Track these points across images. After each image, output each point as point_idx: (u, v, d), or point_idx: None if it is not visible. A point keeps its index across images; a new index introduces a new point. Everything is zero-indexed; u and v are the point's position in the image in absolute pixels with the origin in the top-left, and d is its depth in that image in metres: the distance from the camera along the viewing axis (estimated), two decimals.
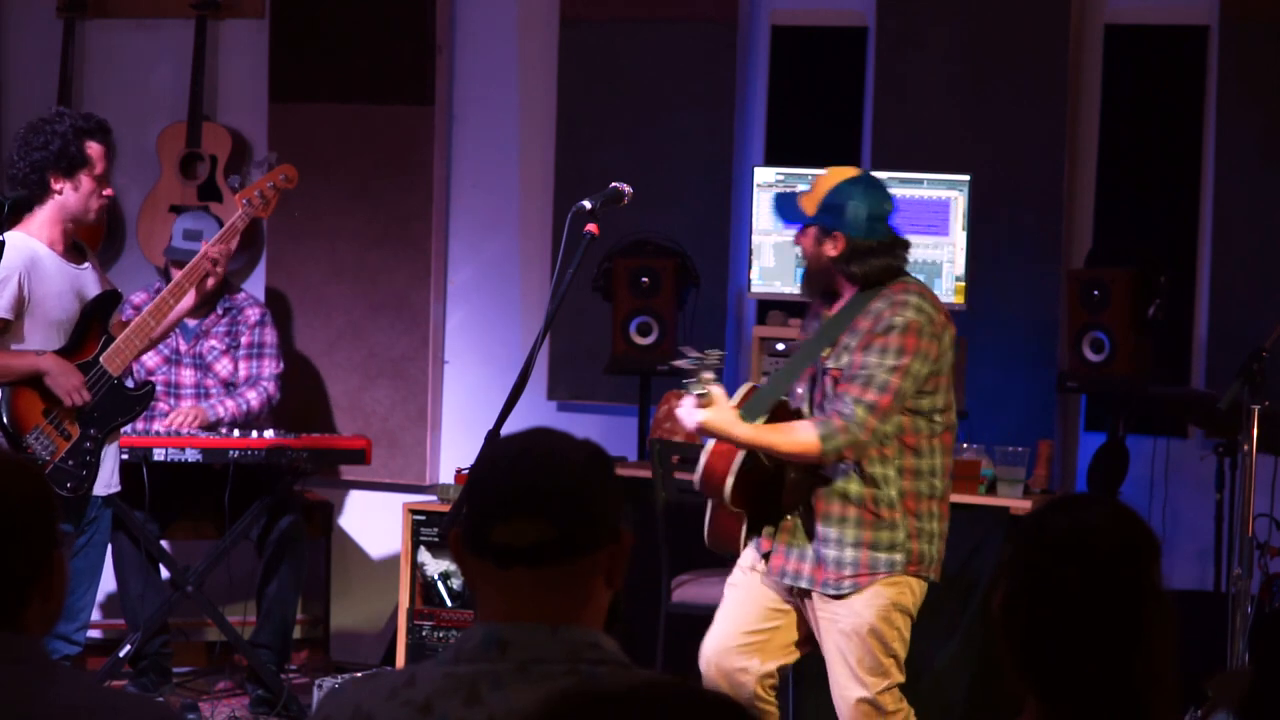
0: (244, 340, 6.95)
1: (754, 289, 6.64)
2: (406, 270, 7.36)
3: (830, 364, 4.68)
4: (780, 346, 6.48)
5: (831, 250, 4.69)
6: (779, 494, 4.77)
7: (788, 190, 4.80)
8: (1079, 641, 2.39)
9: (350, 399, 7.41)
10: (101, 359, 5.59)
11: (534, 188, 7.32)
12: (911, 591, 4.75)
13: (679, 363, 4.63)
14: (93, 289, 5.62)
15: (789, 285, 6.51)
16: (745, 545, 4.84)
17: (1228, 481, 6.15)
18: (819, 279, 4.76)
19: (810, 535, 4.72)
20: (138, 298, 6.69)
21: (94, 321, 5.59)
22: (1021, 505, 5.88)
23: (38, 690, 2.34)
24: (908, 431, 4.68)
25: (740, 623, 4.84)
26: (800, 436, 4.60)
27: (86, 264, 5.64)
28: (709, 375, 4.59)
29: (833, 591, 4.71)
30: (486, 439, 4.36)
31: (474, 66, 7.39)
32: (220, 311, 6.96)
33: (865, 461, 4.67)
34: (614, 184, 4.89)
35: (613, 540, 2.36)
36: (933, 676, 5.97)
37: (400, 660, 6.49)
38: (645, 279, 6.72)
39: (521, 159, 7.36)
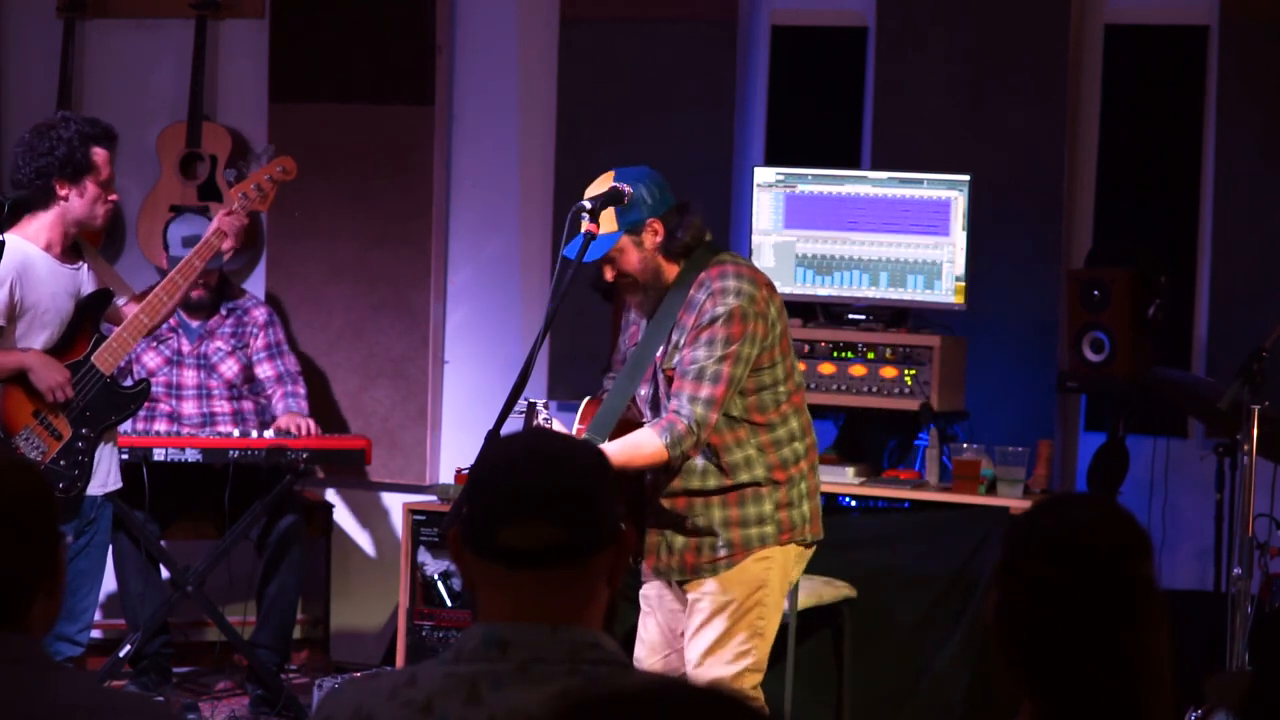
0: (259, 342, 6.95)
1: None
2: (406, 270, 7.36)
3: (664, 365, 4.67)
4: (543, 415, 6.47)
5: (654, 239, 4.65)
6: (642, 501, 4.75)
7: (575, 239, 4.70)
8: (1073, 642, 2.39)
9: (350, 399, 7.41)
10: (93, 358, 5.58)
11: (534, 188, 7.32)
12: (783, 561, 4.71)
13: (519, 412, 4.60)
14: (87, 288, 5.62)
15: (789, 285, 6.51)
16: (635, 558, 4.81)
17: (1228, 481, 6.15)
18: (655, 279, 4.69)
19: (680, 531, 4.71)
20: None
21: (85, 321, 5.59)
22: (1021, 505, 5.88)
23: (38, 690, 2.34)
24: (754, 411, 4.66)
25: (664, 632, 4.84)
26: (647, 449, 4.57)
27: (81, 264, 5.63)
28: (542, 415, 4.56)
29: (707, 572, 4.69)
30: (486, 439, 4.36)
31: (474, 66, 7.39)
32: (224, 313, 6.96)
33: (722, 452, 4.65)
34: (614, 184, 4.89)
35: (615, 540, 2.36)
36: (933, 677, 5.98)
37: (400, 660, 6.49)
38: None
39: (521, 159, 7.37)
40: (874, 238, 6.45)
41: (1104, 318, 6.27)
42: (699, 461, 4.67)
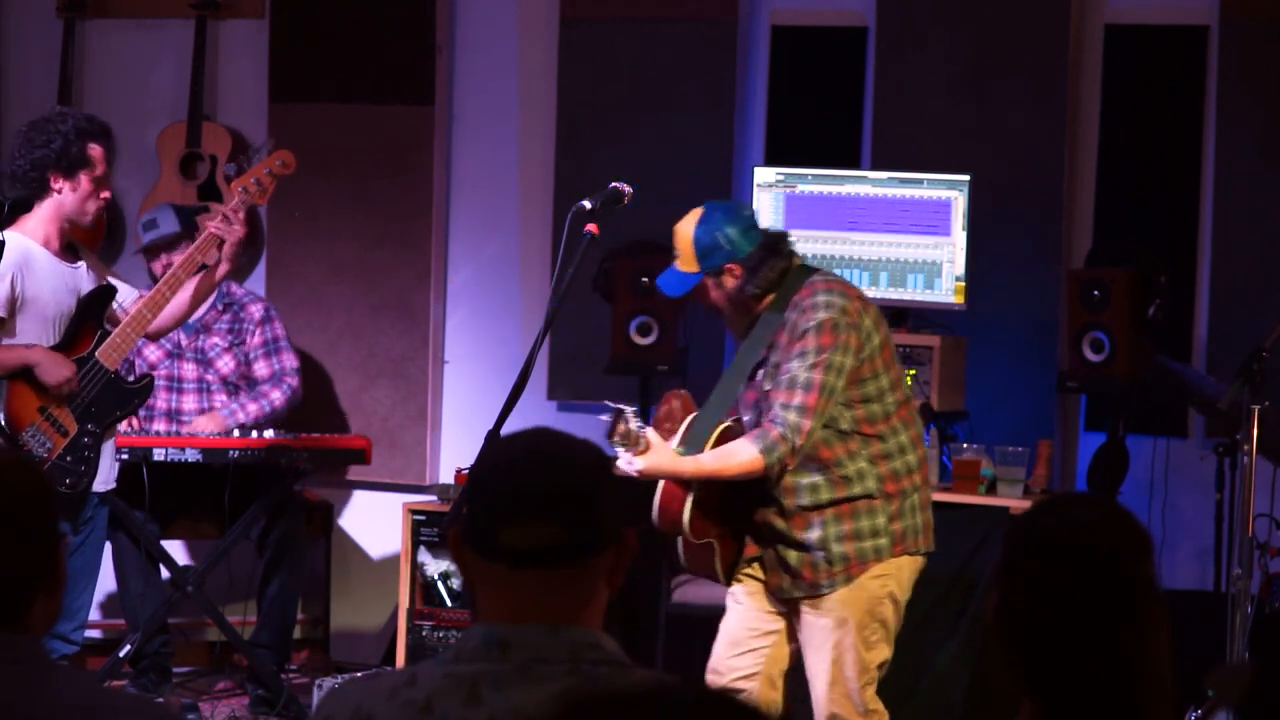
0: (255, 339, 6.94)
1: None
2: (406, 270, 7.36)
3: (766, 386, 4.69)
4: (634, 424, 6.48)
5: (733, 282, 4.71)
6: (747, 513, 4.76)
7: (668, 274, 4.78)
8: (1073, 642, 2.39)
9: (350, 399, 7.41)
10: (97, 353, 5.58)
11: (534, 188, 7.32)
12: (898, 575, 4.75)
13: (604, 417, 4.60)
14: (87, 287, 5.62)
15: None
16: (726, 573, 4.82)
17: (1228, 481, 6.15)
18: (741, 315, 4.76)
19: (790, 549, 4.72)
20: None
21: (88, 317, 5.58)
22: (1021, 505, 5.88)
23: (38, 690, 2.34)
24: (864, 423, 4.69)
25: (741, 636, 4.85)
26: (741, 456, 4.59)
27: (80, 263, 5.64)
28: (633, 424, 4.55)
29: (826, 589, 4.71)
30: (486, 439, 4.36)
31: (474, 66, 7.39)
32: (220, 307, 6.95)
33: (833, 466, 4.67)
34: (614, 184, 4.90)
35: (617, 541, 2.36)
36: (933, 677, 5.98)
37: (400, 660, 6.49)
38: (645, 279, 6.72)
39: (521, 159, 7.36)
40: (874, 238, 6.45)
41: (1104, 318, 6.27)
42: (809, 478, 4.67)
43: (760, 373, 4.71)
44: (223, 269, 5.74)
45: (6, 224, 5.58)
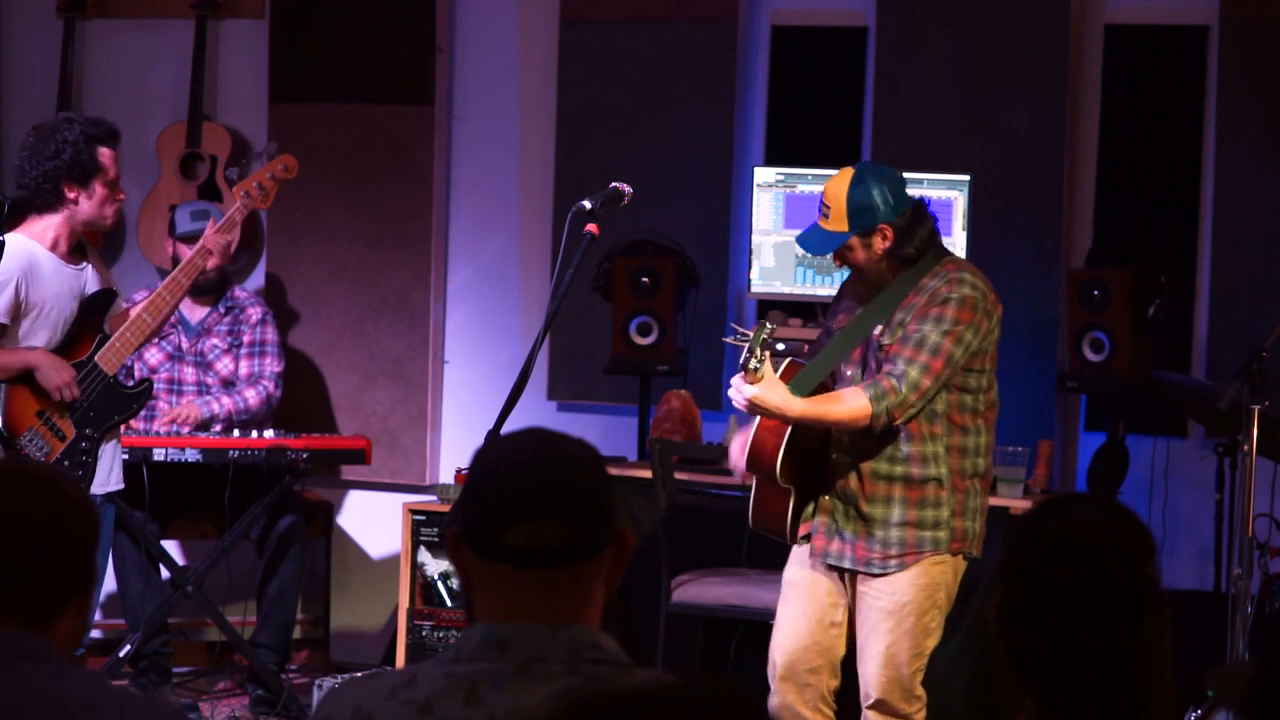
0: (246, 339, 6.95)
1: (754, 289, 6.64)
2: (406, 270, 7.36)
3: (885, 340, 4.71)
4: (780, 346, 6.49)
5: (882, 244, 4.71)
6: (821, 471, 4.79)
7: (805, 229, 4.81)
8: (1074, 642, 2.39)
9: (350, 399, 7.41)
10: (96, 357, 5.58)
11: (534, 188, 7.32)
12: (955, 569, 4.79)
13: (729, 339, 4.62)
14: (91, 288, 5.61)
15: (789, 285, 6.51)
16: (792, 523, 4.84)
17: (1228, 481, 6.15)
18: (879, 277, 4.77)
19: (854, 516, 4.74)
20: (139, 295, 6.68)
21: (89, 320, 5.58)
22: (1021, 505, 5.88)
23: (54, 687, 2.36)
24: (955, 410, 4.73)
25: (804, 626, 4.84)
26: (852, 403, 4.62)
27: (85, 264, 5.63)
28: (767, 352, 4.55)
29: (878, 570, 4.74)
30: (486, 439, 4.36)
31: (474, 66, 7.39)
32: (222, 310, 6.96)
33: (916, 440, 4.69)
34: (614, 184, 4.89)
35: (615, 540, 2.36)
36: (933, 677, 5.97)
37: (400, 660, 6.49)
38: (645, 279, 6.72)
39: (521, 159, 7.36)
40: None
41: (1104, 318, 6.27)
42: (890, 444, 4.69)
43: (880, 328, 4.72)
44: (213, 261, 5.80)
45: (9, 225, 5.57)
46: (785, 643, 4.86)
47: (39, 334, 5.52)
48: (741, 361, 4.53)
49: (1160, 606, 2.42)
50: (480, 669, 2.30)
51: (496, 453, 2.42)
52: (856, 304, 4.85)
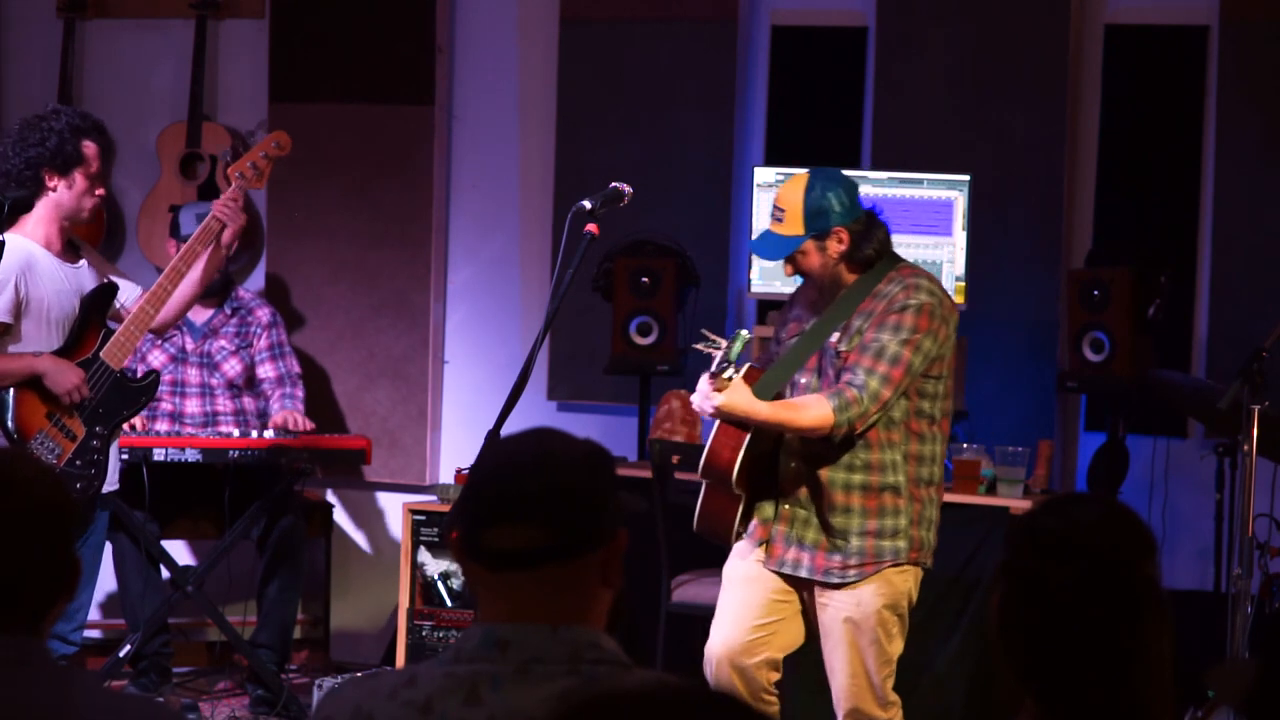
0: (262, 342, 6.95)
1: (754, 289, 6.64)
2: (406, 270, 7.36)
3: (842, 347, 4.70)
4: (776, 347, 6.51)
5: (838, 247, 4.71)
6: (774, 479, 4.79)
7: (759, 236, 4.81)
8: (1074, 642, 2.39)
9: (350, 399, 7.41)
10: (102, 354, 5.57)
11: (534, 188, 7.32)
12: (915, 576, 4.80)
13: (699, 345, 4.63)
14: (90, 286, 5.60)
15: (789, 285, 6.50)
16: (737, 531, 4.85)
17: (1228, 481, 6.15)
18: (833, 282, 4.77)
19: (812, 525, 4.74)
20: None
21: (91, 317, 5.58)
22: (1021, 505, 5.88)
23: (53, 693, 2.36)
24: (912, 417, 4.73)
25: (748, 615, 4.85)
26: (815, 411, 4.62)
27: (82, 262, 5.63)
28: (731, 357, 4.57)
29: (837, 580, 4.74)
30: (486, 439, 4.36)
31: (474, 66, 7.39)
32: (228, 311, 6.96)
33: (875, 448, 4.69)
34: (614, 184, 4.89)
35: (608, 541, 2.36)
36: (933, 676, 5.98)
37: (400, 660, 6.49)
38: (645, 279, 6.72)
39: (521, 159, 7.37)
40: None
41: (1104, 318, 6.27)
42: (848, 452, 4.70)
43: (836, 335, 4.72)
44: (219, 257, 5.76)
45: (7, 224, 5.57)
46: (728, 633, 4.87)
47: (40, 333, 5.51)
48: (714, 369, 4.55)
49: (1160, 606, 2.42)
50: (480, 669, 2.30)
51: (489, 455, 2.42)
52: (809, 313, 4.84)
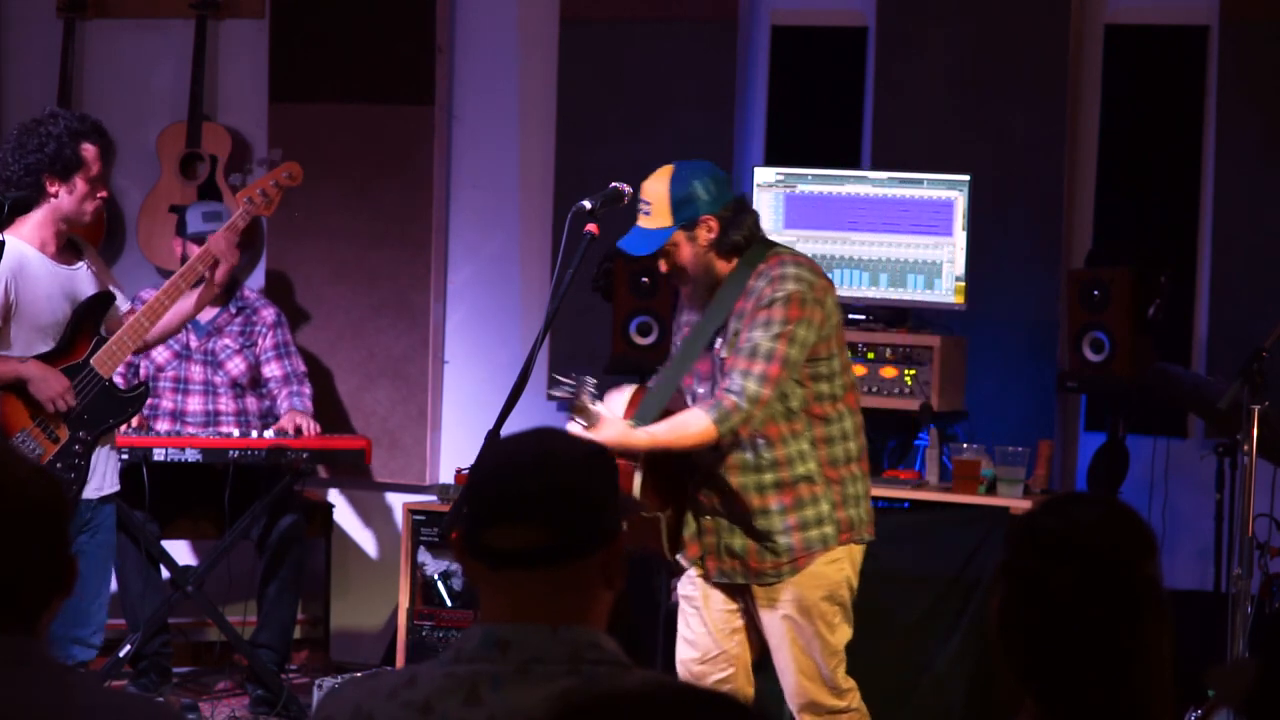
0: (268, 341, 6.94)
1: None
2: (406, 270, 7.36)
3: (723, 354, 4.68)
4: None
5: (708, 236, 4.67)
6: (693, 495, 4.77)
7: (626, 234, 4.75)
8: (1074, 642, 2.39)
9: (350, 399, 7.41)
10: (92, 361, 5.55)
11: (534, 187, 7.32)
12: (851, 561, 4.76)
13: (554, 392, 4.59)
14: (86, 289, 5.57)
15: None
16: (670, 543, 4.82)
17: (1228, 481, 6.15)
18: (706, 275, 4.72)
19: (737, 532, 4.73)
20: (146, 294, 6.65)
21: (85, 323, 5.55)
22: (1021, 505, 5.88)
23: (53, 693, 2.36)
24: (812, 402, 4.68)
25: (712, 632, 4.86)
26: (694, 427, 4.57)
27: (80, 263, 5.61)
28: (586, 398, 4.52)
29: (771, 579, 4.73)
30: (486, 439, 4.36)
31: (474, 66, 7.39)
32: (234, 310, 6.96)
33: (778, 443, 4.66)
34: (614, 184, 4.89)
35: (608, 542, 2.36)
36: (933, 677, 5.98)
37: (400, 660, 6.49)
38: (645, 279, 6.72)
39: (521, 159, 7.36)
40: (874, 238, 6.45)
41: (1104, 318, 6.27)
42: (752, 454, 4.66)
43: (719, 341, 4.69)
44: (209, 292, 5.71)
45: (6, 225, 5.56)
46: (692, 657, 4.87)
47: (29, 336, 5.47)
48: (574, 413, 4.51)
49: (1161, 606, 2.42)
50: (480, 669, 2.30)
51: (495, 453, 2.43)
52: (699, 315, 4.79)
